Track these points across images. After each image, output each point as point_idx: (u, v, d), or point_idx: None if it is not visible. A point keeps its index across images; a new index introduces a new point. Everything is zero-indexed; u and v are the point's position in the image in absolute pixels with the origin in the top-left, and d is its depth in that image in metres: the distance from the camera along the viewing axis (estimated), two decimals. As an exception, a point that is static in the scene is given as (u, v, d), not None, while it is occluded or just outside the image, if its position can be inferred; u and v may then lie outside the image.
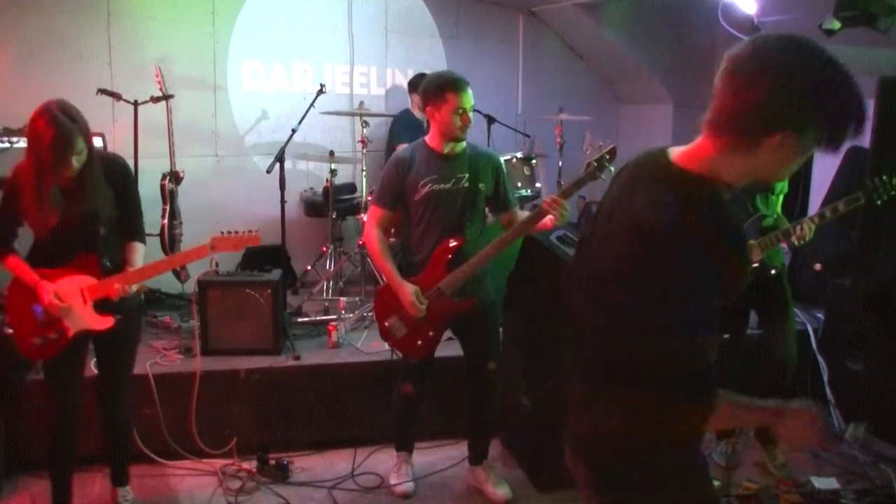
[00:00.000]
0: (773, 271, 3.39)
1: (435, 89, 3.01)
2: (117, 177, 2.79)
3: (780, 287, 3.49)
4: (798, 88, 1.28)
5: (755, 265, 3.31)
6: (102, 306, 2.77)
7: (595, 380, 1.56)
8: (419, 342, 3.14)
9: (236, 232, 2.93)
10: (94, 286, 2.74)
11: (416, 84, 5.04)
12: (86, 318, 2.75)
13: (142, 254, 2.90)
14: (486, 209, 3.31)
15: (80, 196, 2.64)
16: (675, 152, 1.46)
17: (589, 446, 1.57)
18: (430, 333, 3.14)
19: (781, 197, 3.48)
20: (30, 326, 2.73)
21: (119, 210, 2.78)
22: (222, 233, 2.93)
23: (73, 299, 2.72)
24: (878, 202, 3.19)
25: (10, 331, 3.25)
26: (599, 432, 1.52)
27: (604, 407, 1.51)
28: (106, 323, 2.77)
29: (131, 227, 2.88)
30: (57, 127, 2.47)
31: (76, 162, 2.56)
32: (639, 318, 1.40)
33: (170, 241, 4.56)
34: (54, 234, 2.66)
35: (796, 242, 3.27)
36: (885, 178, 3.17)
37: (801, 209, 4.42)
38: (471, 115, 3.04)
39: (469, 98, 3.01)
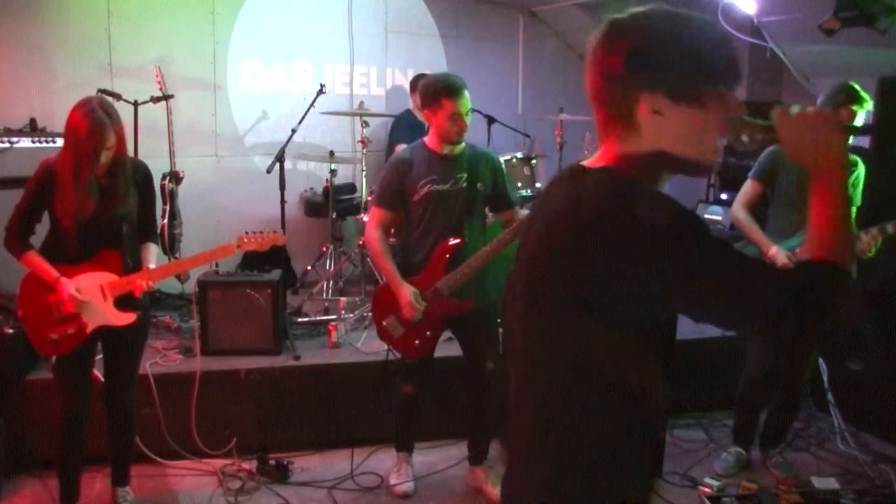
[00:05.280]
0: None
1: (431, 94, 3.00)
2: (142, 180, 2.90)
3: None
4: (635, 42, 1.18)
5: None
6: (122, 302, 2.81)
7: (529, 425, 1.30)
8: (417, 342, 3.14)
9: (262, 232, 3.02)
10: (116, 282, 2.79)
11: (416, 85, 5.04)
12: (106, 314, 2.79)
13: (156, 253, 2.99)
14: (487, 209, 3.31)
15: (114, 194, 2.74)
16: (587, 161, 1.31)
17: None
18: (428, 333, 3.14)
19: (853, 210, 3.28)
20: (46, 322, 2.75)
21: (140, 212, 2.89)
22: (247, 232, 3.01)
23: (93, 295, 2.75)
24: None
25: (11, 331, 3.26)
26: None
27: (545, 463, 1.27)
28: (128, 318, 2.82)
29: (149, 228, 2.98)
30: (92, 119, 2.58)
31: (104, 157, 2.65)
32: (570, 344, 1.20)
33: (170, 241, 4.56)
34: (81, 229, 2.71)
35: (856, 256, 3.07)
36: None
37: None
38: (468, 119, 3.03)
39: (465, 103, 3.00)
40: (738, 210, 3.41)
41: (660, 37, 1.18)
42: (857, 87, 3.15)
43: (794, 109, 1.21)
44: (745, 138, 1.22)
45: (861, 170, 3.33)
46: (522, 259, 1.35)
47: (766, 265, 1.18)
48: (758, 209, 3.44)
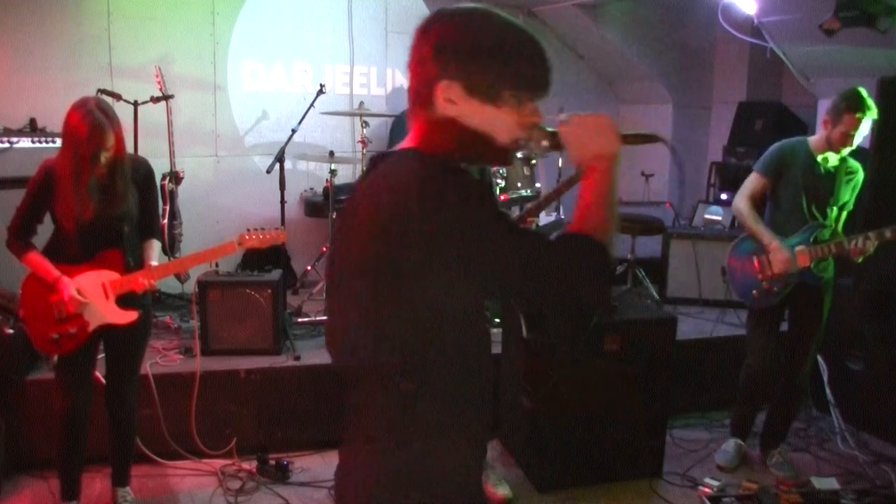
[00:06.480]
0: (818, 280, 3.29)
1: None
2: (142, 177, 2.89)
3: (819, 302, 3.34)
4: (445, 32, 1.26)
5: (801, 268, 3.21)
6: (124, 302, 2.82)
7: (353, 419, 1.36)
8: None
9: (263, 229, 3.01)
10: (118, 281, 2.79)
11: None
12: (107, 314, 2.79)
13: (158, 250, 2.99)
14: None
15: (113, 194, 2.73)
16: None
17: None
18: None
19: (845, 214, 3.32)
20: (47, 322, 2.75)
21: (141, 209, 2.88)
22: (248, 230, 3.01)
23: (94, 295, 2.76)
24: None
25: (11, 331, 3.25)
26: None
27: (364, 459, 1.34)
28: (129, 317, 2.82)
29: (151, 225, 2.97)
30: (91, 121, 2.57)
31: (104, 158, 2.65)
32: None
33: (170, 241, 4.56)
34: (81, 229, 2.71)
35: (855, 257, 3.13)
36: None
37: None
38: None
39: None
40: (741, 201, 3.36)
41: (469, 32, 1.26)
42: (863, 93, 3.10)
43: (564, 116, 1.37)
44: (532, 143, 1.34)
45: (860, 176, 3.30)
46: (339, 246, 1.41)
47: (539, 234, 1.24)
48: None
